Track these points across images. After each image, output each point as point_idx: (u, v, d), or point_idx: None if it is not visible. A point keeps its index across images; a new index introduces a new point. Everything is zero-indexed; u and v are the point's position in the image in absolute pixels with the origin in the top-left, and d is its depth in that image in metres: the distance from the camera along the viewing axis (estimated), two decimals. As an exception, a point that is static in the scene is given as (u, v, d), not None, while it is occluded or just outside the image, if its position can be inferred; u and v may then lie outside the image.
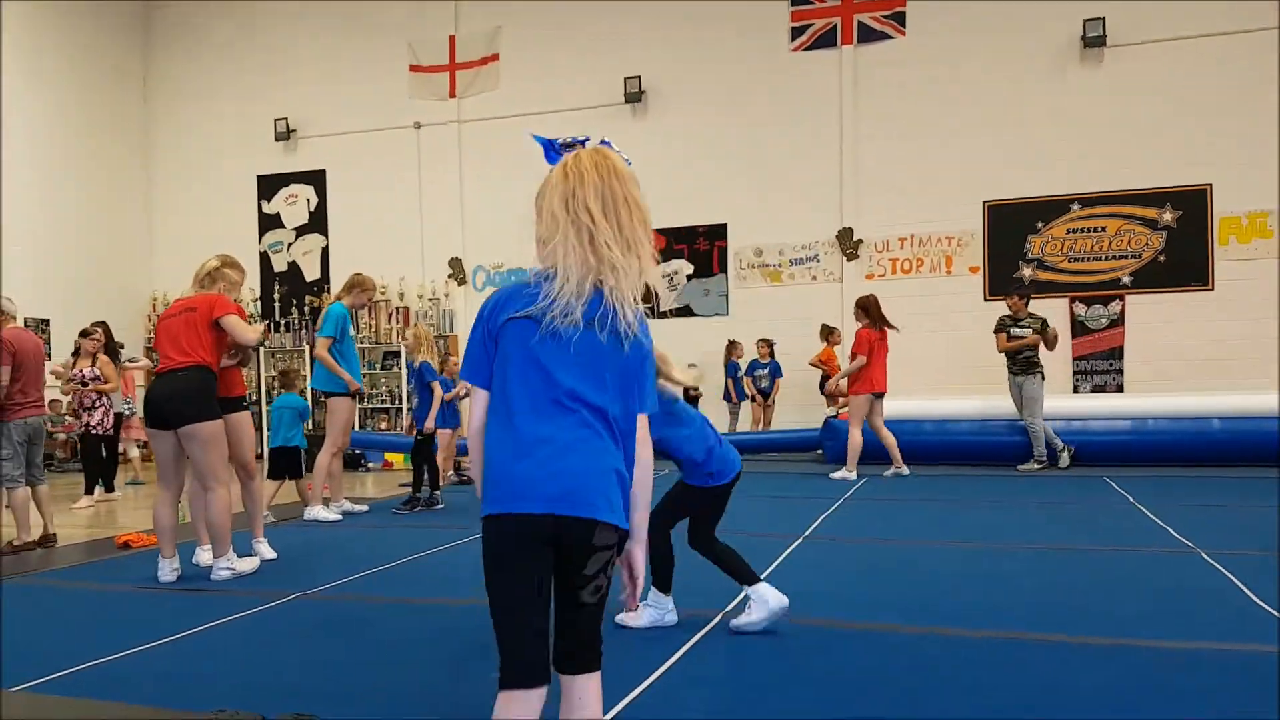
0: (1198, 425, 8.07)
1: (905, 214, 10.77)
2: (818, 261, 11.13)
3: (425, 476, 6.83)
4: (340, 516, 6.47)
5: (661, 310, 11.69)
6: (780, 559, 4.50)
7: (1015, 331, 8.45)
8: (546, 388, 1.66)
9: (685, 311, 11.59)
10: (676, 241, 11.64)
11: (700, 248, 11.60)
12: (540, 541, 1.62)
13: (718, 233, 11.52)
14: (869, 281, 10.82)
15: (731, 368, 10.77)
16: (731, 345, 10.78)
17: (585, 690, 1.70)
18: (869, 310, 7.83)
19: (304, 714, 2.01)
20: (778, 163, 11.19)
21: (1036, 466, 8.20)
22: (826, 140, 11.03)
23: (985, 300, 10.60)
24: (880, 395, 7.64)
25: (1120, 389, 10.21)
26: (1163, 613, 3.44)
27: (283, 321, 13.05)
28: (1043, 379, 8.39)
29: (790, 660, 2.97)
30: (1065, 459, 8.25)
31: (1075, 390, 10.33)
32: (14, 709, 2.61)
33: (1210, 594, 3.68)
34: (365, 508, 6.82)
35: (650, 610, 3.37)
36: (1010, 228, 10.60)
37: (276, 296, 13.18)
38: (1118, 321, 10.33)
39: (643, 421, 1.74)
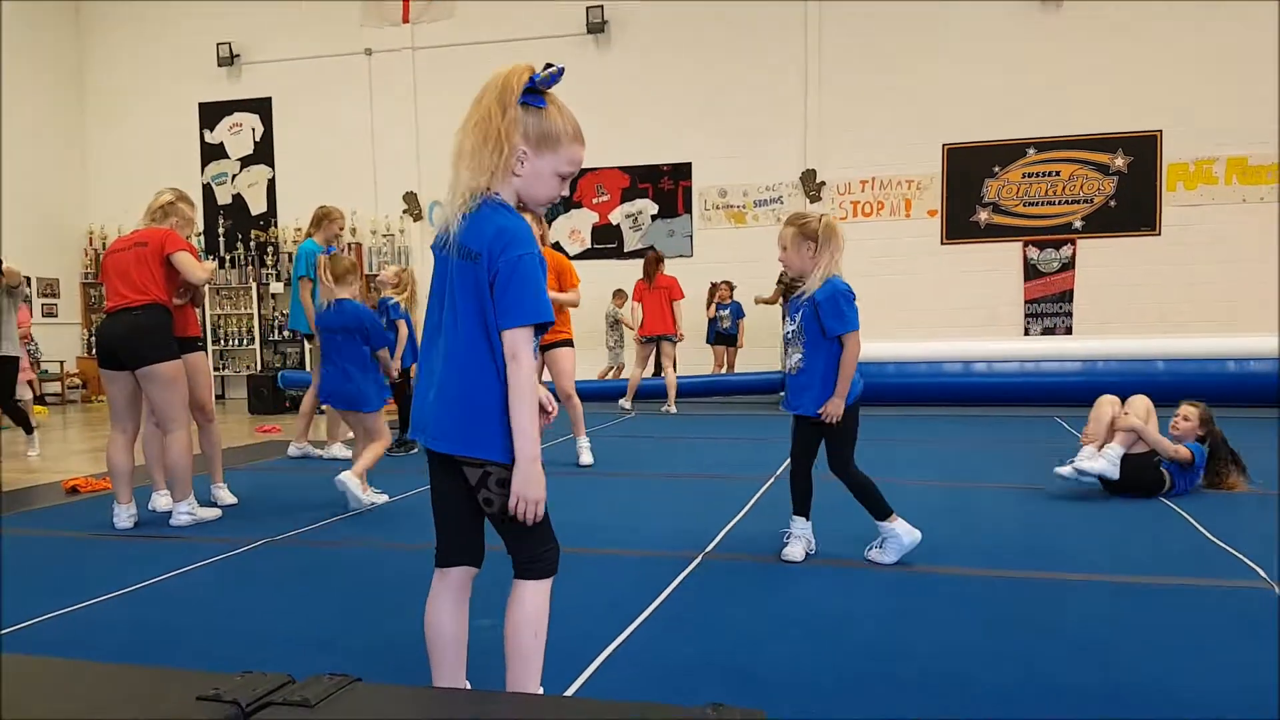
0: (1143, 367, 8.30)
1: (867, 157, 10.76)
2: (781, 203, 11.09)
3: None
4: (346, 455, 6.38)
5: (625, 250, 11.60)
6: (753, 500, 4.54)
7: None
8: (428, 321, 1.86)
9: (650, 252, 11.49)
10: (640, 180, 11.50)
11: (664, 187, 11.48)
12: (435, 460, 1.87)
13: (682, 172, 11.39)
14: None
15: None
16: (714, 288, 10.69)
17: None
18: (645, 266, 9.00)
19: (341, 674, 1.94)
20: (742, 102, 11.06)
21: None
22: (791, 81, 10.91)
23: (942, 244, 10.69)
24: (651, 339, 8.82)
25: (1069, 331, 10.44)
26: (1119, 549, 3.55)
27: (228, 257, 12.65)
28: None
29: (775, 599, 3.00)
30: None
31: (1026, 333, 10.54)
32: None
33: (1166, 532, 3.81)
34: (322, 453, 6.69)
35: (797, 542, 3.48)
36: (968, 171, 10.66)
37: (221, 231, 12.76)
38: (1069, 265, 10.52)
39: (511, 336, 1.71)
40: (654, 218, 11.52)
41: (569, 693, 2.29)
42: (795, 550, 3.45)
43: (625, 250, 11.57)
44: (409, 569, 3.53)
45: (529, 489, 1.75)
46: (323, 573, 3.51)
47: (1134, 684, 2.30)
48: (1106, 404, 4.57)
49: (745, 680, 2.36)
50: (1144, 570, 3.29)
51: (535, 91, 1.78)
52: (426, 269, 13.72)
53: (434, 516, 1.92)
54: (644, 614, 2.87)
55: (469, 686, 2.05)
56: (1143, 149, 10.22)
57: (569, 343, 5.98)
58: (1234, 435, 4.82)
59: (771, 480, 5.09)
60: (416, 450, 6.70)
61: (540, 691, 1.90)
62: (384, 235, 12.19)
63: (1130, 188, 10.30)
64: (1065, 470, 4.43)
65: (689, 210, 11.43)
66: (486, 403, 1.76)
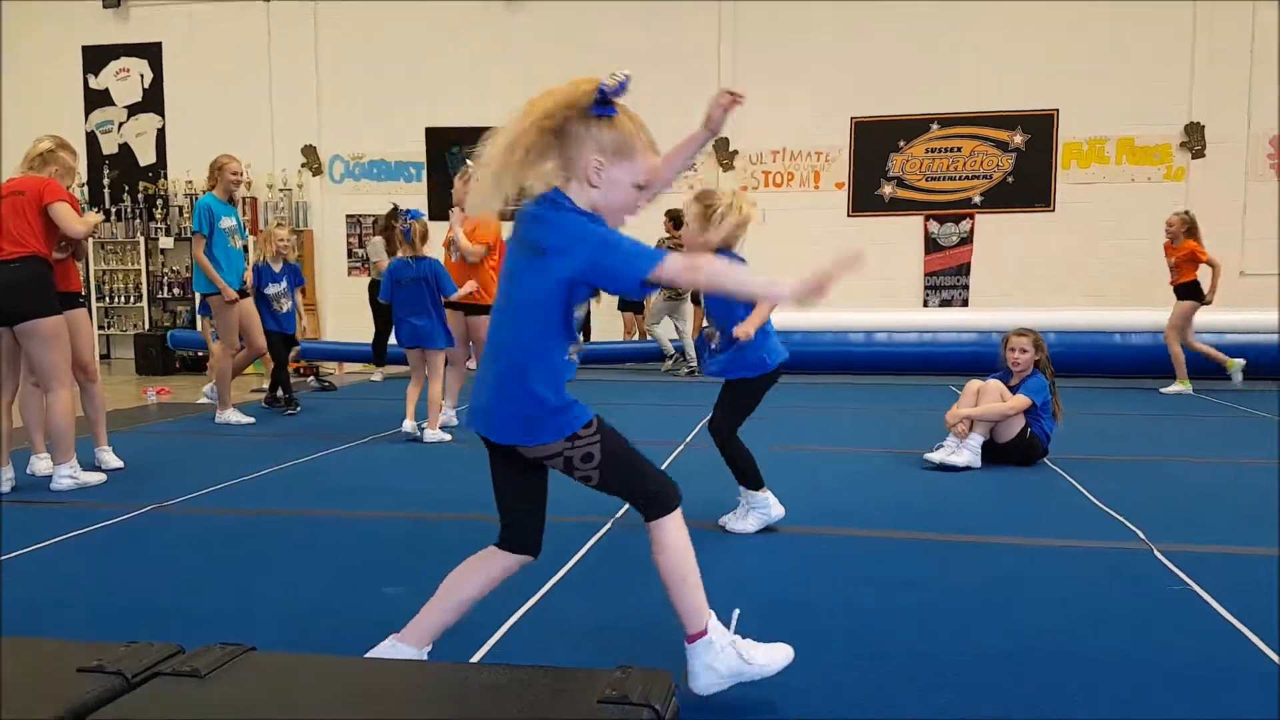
0: (1090, 338, 8.63)
1: (779, 128, 10.82)
2: (695, 171, 11.09)
3: (280, 377, 6.67)
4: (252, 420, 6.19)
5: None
6: (663, 466, 4.55)
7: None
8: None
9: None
10: (550, 141, 11.31)
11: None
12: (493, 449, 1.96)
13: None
14: (742, 193, 10.89)
15: None
16: None
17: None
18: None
19: (235, 644, 1.86)
20: (655, 70, 10.93)
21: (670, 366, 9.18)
22: (705, 50, 10.86)
23: (849, 216, 10.88)
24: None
25: (965, 304, 10.79)
26: (1011, 512, 3.70)
27: (113, 209, 11.97)
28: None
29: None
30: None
31: (925, 304, 10.85)
32: None
33: (1053, 496, 3.99)
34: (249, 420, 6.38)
35: (754, 513, 3.39)
36: (874, 145, 10.84)
37: (106, 182, 12.04)
38: (967, 239, 10.84)
39: (660, 281, 1.76)
40: (567, 180, 11.36)
41: (474, 659, 2.26)
42: (750, 523, 3.40)
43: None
44: (304, 537, 3.43)
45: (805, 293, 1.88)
46: (215, 541, 3.38)
47: (1035, 646, 2.39)
48: (972, 388, 4.71)
49: (654, 642, 2.37)
50: (1036, 533, 3.43)
51: (605, 101, 1.82)
52: (326, 224, 13.09)
53: (497, 503, 1.99)
54: (553, 579, 2.85)
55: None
56: (1040, 127, 10.56)
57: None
58: (1118, 404, 5.06)
59: (682, 446, 5.12)
60: (297, 411, 6.56)
61: (711, 616, 1.94)
62: (281, 190, 11.72)
63: (1027, 165, 10.64)
64: (934, 457, 4.57)
65: (601, 174, 11.31)
66: (535, 392, 1.81)
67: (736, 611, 2.01)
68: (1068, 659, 2.26)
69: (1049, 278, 10.51)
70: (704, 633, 1.93)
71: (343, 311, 11.47)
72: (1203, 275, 7.66)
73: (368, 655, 2.00)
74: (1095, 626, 2.48)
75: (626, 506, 3.69)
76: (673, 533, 1.92)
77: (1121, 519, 3.56)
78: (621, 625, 2.50)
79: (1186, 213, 7.78)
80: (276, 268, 6.63)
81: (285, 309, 6.63)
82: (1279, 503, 3.78)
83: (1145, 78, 10.13)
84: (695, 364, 8.90)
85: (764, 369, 3.32)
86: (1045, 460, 4.65)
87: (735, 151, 10.92)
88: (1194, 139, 10.09)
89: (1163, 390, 7.65)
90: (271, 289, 6.56)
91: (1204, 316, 8.25)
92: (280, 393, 6.68)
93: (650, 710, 1.45)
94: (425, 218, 5.68)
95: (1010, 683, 2.14)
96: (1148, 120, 10.17)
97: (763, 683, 1.97)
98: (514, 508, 1.99)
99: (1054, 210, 10.62)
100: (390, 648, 2.00)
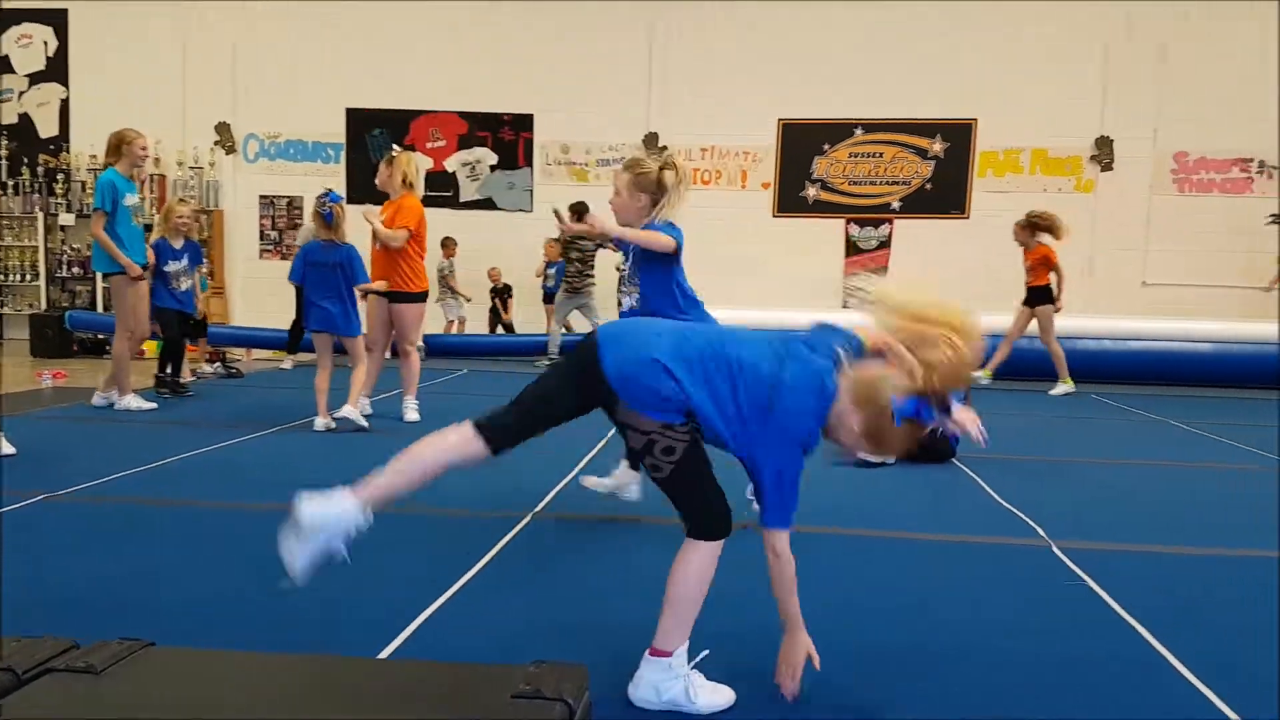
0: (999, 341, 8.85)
1: (708, 125, 10.89)
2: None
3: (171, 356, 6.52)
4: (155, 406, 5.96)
5: (462, 200, 11.27)
6: (587, 458, 4.55)
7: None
8: None
9: (487, 204, 11.25)
10: (479, 128, 11.17)
11: (505, 137, 11.20)
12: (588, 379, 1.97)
13: (523, 123, 11.14)
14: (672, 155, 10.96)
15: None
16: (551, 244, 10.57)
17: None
18: None
19: (133, 639, 1.79)
20: (588, 59, 10.91)
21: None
22: (637, 42, 10.85)
23: (774, 216, 11.02)
24: None
25: (884, 306, 11.02)
26: (921, 510, 3.81)
27: (11, 183, 11.36)
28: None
29: (605, 557, 3.02)
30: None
31: (845, 306, 11.05)
32: None
33: (961, 494, 4.12)
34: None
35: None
36: (800, 147, 11.00)
37: (4, 153, 11.42)
38: (885, 244, 11.09)
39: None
40: (493, 168, 11.25)
41: (384, 655, 2.22)
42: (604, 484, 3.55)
43: (461, 200, 11.25)
44: (208, 529, 3.32)
45: None
46: (112, 532, 3.24)
47: (936, 640, 2.46)
48: None
49: (572, 637, 2.36)
50: (943, 529, 3.53)
51: None
52: (239, 205, 12.68)
53: (523, 402, 1.98)
54: (469, 574, 2.82)
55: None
56: (958, 136, 10.87)
57: (416, 296, 5.79)
58: (1020, 405, 5.23)
59: (607, 439, 5.11)
60: (186, 395, 6.40)
61: (684, 645, 1.95)
62: (192, 168, 11.30)
63: (945, 172, 10.94)
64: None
65: (530, 163, 11.23)
66: (679, 377, 1.85)
67: (704, 653, 2.02)
68: (966, 651, 2.33)
69: (963, 283, 10.69)
70: (668, 654, 1.95)
71: (252, 295, 11.12)
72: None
73: (310, 498, 1.89)
74: (994, 619, 2.56)
75: (546, 501, 3.70)
76: (703, 556, 1.95)
77: (1023, 517, 3.69)
78: (538, 621, 2.49)
79: (1029, 216, 7.93)
80: (177, 245, 6.39)
81: (184, 287, 6.42)
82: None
83: (1060, 91, 10.50)
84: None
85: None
86: (953, 460, 4.79)
87: (664, 147, 10.95)
88: (1104, 152, 10.52)
89: (1050, 393, 7.92)
90: (171, 266, 6.33)
91: (1107, 324, 8.62)
92: (169, 373, 6.49)
93: (563, 705, 1.45)
94: (344, 201, 5.55)
95: (908, 675, 2.19)
96: (1060, 133, 10.55)
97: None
98: (534, 419, 1.98)
99: (969, 218, 10.94)
100: (336, 497, 1.89)
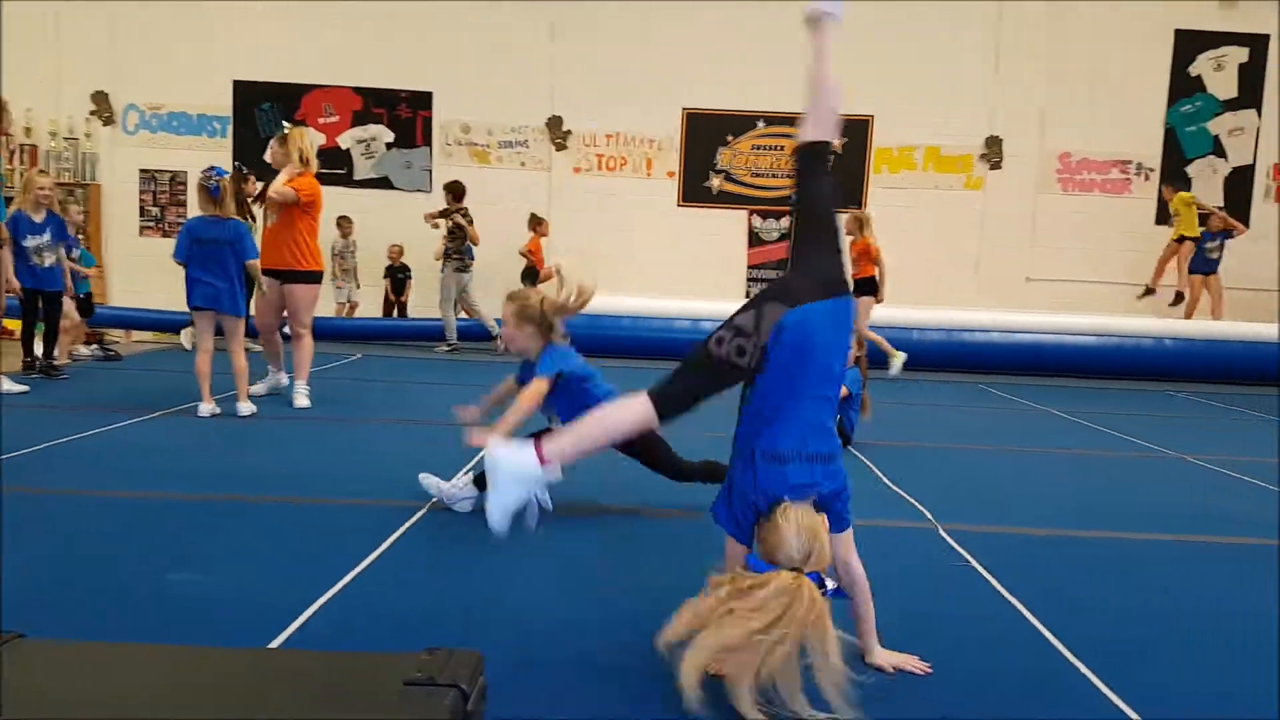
0: (893, 333, 9.06)
1: (614, 111, 10.86)
2: (527, 147, 10.96)
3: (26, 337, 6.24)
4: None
5: (356, 178, 10.95)
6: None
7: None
8: None
9: (384, 183, 10.96)
10: (375, 105, 10.87)
11: (402, 115, 10.92)
12: None
13: (422, 101, 10.88)
14: (576, 175, 10.89)
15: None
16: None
17: None
18: None
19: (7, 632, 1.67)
20: (490, 37, 10.72)
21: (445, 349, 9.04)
22: (539, 24, 10.74)
23: (678, 205, 11.09)
24: None
25: (784, 297, 11.24)
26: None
27: None
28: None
29: (503, 545, 2.99)
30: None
31: (747, 295, 11.23)
32: None
33: (855, 480, 4.22)
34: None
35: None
36: (705, 137, 11.09)
37: None
38: (786, 236, 11.30)
39: None
40: (389, 146, 10.97)
41: (274, 644, 2.15)
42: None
43: (355, 178, 10.94)
44: (85, 518, 3.15)
45: None
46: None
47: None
48: None
49: (470, 625, 2.33)
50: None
51: None
52: (117, 179, 12.02)
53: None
54: (365, 562, 2.75)
55: None
56: (856, 132, 11.13)
57: (310, 276, 5.62)
58: (913, 395, 5.41)
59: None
60: (64, 378, 6.08)
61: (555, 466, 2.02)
62: (66, 139, 10.65)
63: (843, 167, 11.20)
64: None
65: (429, 143, 11.00)
66: None
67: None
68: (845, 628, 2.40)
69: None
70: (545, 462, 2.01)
71: (132, 274, 10.56)
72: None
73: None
74: (882, 598, 2.64)
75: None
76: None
77: (913, 501, 3.82)
78: (435, 609, 2.44)
79: (859, 211, 8.14)
80: (38, 218, 5.99)
81: (47, 264, 6.03)
82: None
83: (952, 91, 10.87)
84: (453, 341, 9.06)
85: None
86: (849, 447, 4.92)
87: (569, 131, 10.88)
88: (993, 151, 10.95)
89: (890, 372, 8.05)
90: (31, 241, 5.94)
91: (993, 316, 8.96)
92: (42, 355, 6.15)
93: (457, 690, 1.43)
94: (229, 176, 5.33)
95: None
96: (953, 132, 10.93)
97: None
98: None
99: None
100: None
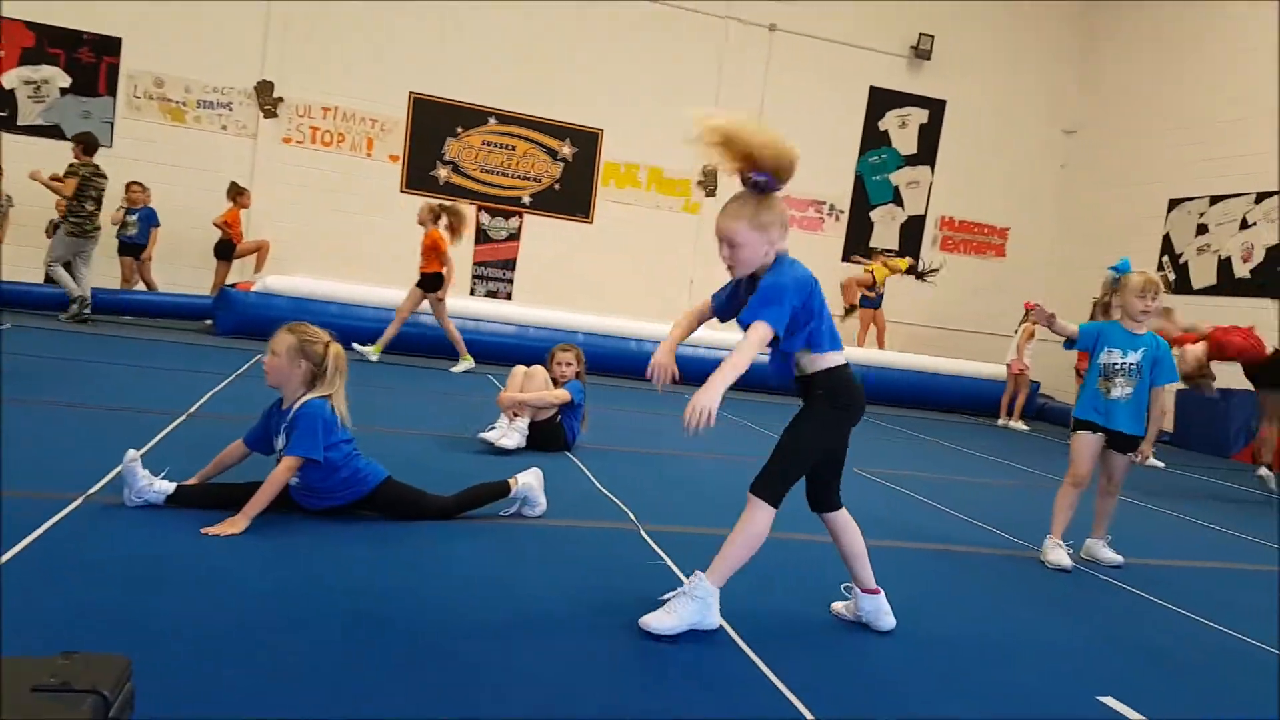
0: (567, 337, 9.13)
1: (333, 83, 10.32)
2: (230, 110, 10.08)
3: None
4: None
5: (20, 123, 9.51)
6: (157, 438, 4.03)
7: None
8: None
9: (54, 131, 9.61)
10: (52, 44, 9.52)
11: (83, 59, 9.64)
12: None
13: (108, 47, 9.68)
14: (286, 145, 10.19)
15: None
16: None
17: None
18: None
19: None
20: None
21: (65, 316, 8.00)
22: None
23: (401, 192, 10.73)
24: None
25: (509, 297, 11.25)
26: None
27: None
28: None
29: (162, 544, 2.68)
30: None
31: (472, 293, 11.09)
32: None
33: (567, 482, 4.28)
34: None
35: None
36: (432, 125, 10.84)
37: None
38: (515, 236, 11.32)
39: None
40: (64, 91, 9.66)
41: None
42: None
43: (20, 123, 9.52)
44: None
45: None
46: None
47: (526, 613, 2.50)
48: (519, 373, 4.98)
49: (121, 629, 2.06)
50: (550, 514, 3.62)
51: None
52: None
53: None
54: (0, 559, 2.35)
55: None
56: (587, 143, 11.40)
57: None
58: (629, 402, 5.58)
59: (184, 417, 4.59)
60: None
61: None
62: None
63: (573, 176, 11.42)
64: (488, 436, 4.77)
65: (113, 93, 9.81)
66: None
67: None
68: (542, 624, 2.40)
69: (583, 283, 11.37)
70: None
71: None
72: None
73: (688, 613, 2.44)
74: (578, 595, 2.68)
75: (103, 483, 3.19)
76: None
77: (618, 502, 3.92)
78: (81, 611, 2.14)
79: (435, 205, 7.86)
80: None
81: None
82: None
83: (676, 116, 11.42)
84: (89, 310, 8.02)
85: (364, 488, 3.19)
86: (567, 451, 4.98)
87: (280, 99, 10.17)
88: (709, 180, 11.63)
89: (453, 370, 8.09)
90: None
91: (705, 334, 9.47)
92: None
93: (96, 697, 1.27)
94: None
95: (487, 653, 2.21)
96: (674, 156, 11.50)
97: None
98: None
99: (592, 223, 11.52)
100: (698, 583, 2.50)
